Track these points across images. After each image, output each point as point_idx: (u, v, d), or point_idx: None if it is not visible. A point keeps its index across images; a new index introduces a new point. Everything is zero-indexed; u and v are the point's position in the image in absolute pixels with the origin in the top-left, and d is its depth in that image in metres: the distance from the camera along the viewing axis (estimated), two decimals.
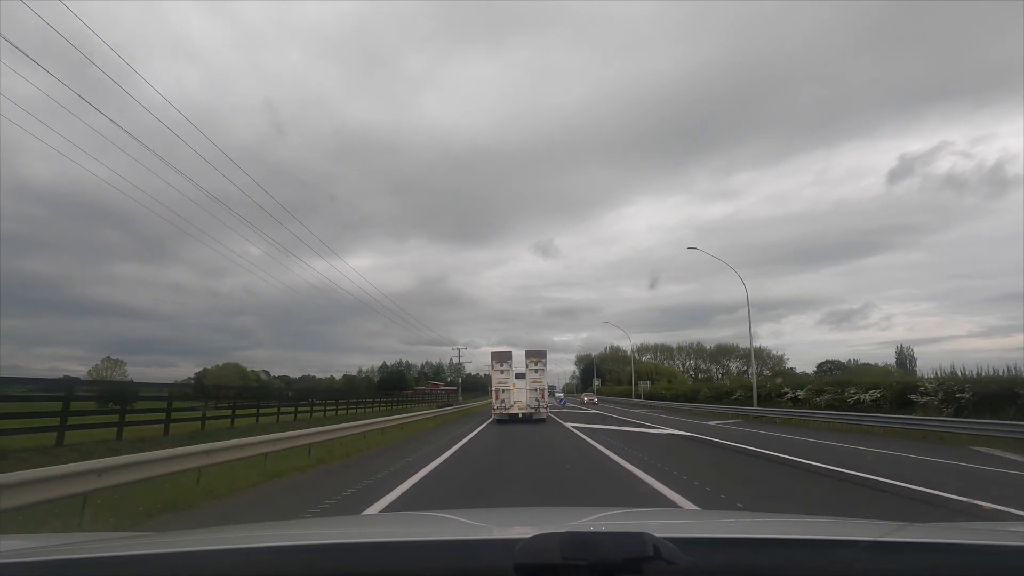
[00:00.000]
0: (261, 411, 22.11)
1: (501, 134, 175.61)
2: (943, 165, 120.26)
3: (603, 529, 1.53)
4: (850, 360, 75.12)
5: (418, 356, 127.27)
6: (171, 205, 69.95)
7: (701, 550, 1.00)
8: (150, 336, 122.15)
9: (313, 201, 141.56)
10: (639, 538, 0.88)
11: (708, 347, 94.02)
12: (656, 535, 0.90)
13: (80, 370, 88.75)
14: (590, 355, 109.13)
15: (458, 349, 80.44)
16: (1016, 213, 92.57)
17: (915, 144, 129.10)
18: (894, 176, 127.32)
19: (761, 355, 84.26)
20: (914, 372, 41.10)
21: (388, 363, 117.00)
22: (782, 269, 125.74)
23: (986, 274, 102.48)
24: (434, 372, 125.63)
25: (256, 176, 79.19)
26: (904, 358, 70.94)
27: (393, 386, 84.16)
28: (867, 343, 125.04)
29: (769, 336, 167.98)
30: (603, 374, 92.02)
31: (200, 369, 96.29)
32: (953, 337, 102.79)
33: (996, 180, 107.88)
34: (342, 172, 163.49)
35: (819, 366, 74.84)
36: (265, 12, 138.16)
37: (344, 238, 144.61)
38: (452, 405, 44.07)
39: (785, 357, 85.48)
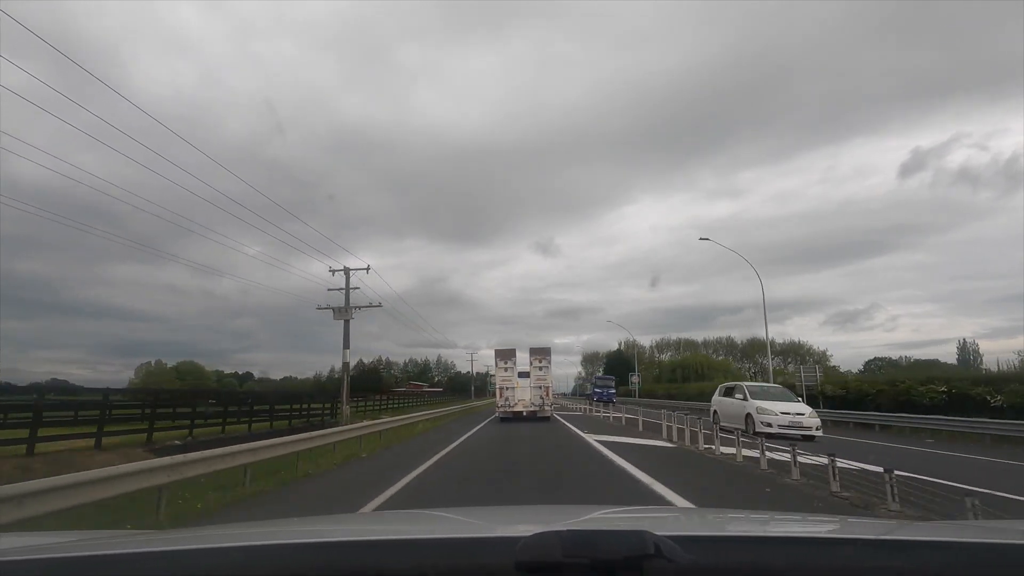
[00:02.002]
0: (163, 425, 15.78)
1: (501, 131, 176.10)
2: (951, 163, 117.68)
3: (604, 527, 1.54)
4: (900, 357, 68.38)
5: (418, 357, 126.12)
6: (169, 206, 68.92)
7: (702, 548, 1.00)
8: (150, 339, 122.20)
9: (310, 200, 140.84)
10: (640, 536, 0.88)
11: (739, 342, 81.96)
12: (657, 533, 0.90)
13: (79, 374, 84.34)
14: (598, 352, 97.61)
15: (342, 270, 28.21)
16: (1020, 212, 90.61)
17: (924, 140, 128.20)
18: (902, 174, 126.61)
19: (800, 351, 77.18)
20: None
21: (365, 361, 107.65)
22: (786, 270, 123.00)
23: (989, 275, 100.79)
24: (419, 371, 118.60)
25: (253, 174, 76.62)
26: (967, 354, 63.16)
27: (365, 388, 74.32)
28: (872, 344, 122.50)
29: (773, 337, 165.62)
30: (627, 373, 78.95)
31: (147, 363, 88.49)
32: (957, 339, 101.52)
33: (1008, 175, 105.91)
34: (339, 169, 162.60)
35: (867, 364, 68.34)
36: (260, 4, 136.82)
37: (342, 237, 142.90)
38: (329, 427, 15.31)
39: (829, 354, 75.68)
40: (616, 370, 76.09)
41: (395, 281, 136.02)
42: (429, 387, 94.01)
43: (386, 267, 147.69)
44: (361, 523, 2.26)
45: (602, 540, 0.89)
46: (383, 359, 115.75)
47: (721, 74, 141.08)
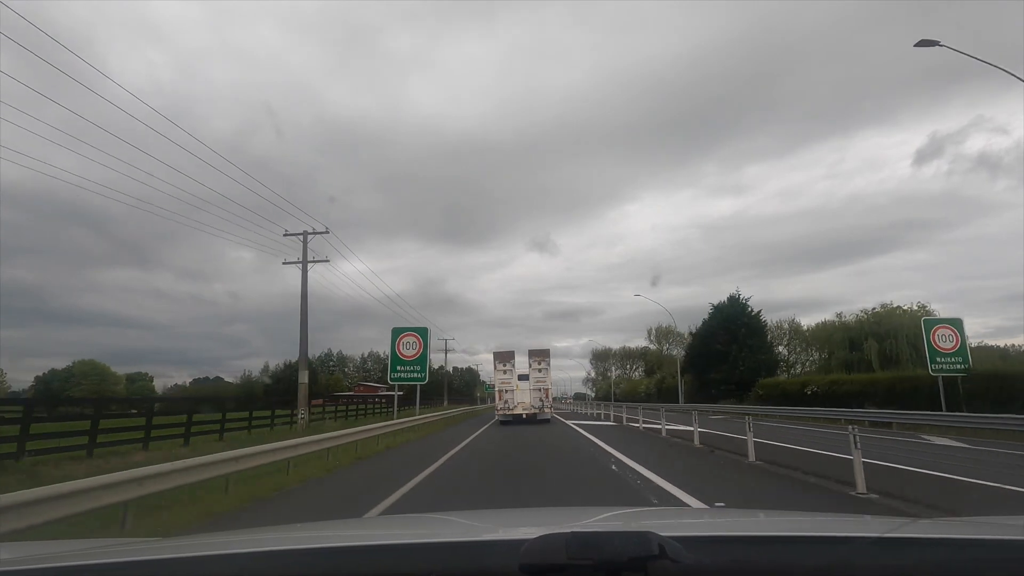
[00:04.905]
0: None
1: (497, 127, 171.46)
2: (969, 149, 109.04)
3: (608, 529, 1.54)
4: (1009, 346, 56.95)
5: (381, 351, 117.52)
6: (154, 204, 66.90)
7: (706, 548, 1.01)
8: (145, 346, 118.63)
9: (303, 200, 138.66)
10: (644, 537, 0.89)
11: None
12: (661, 534, 0.91)
13: None
14: (610, 348, 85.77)
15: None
16: (1020, 211, 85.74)
17: (940, 125, 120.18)
18: (916, 162, 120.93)
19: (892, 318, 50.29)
20: None
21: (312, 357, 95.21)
22: (791, 269, 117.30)
23: (993, 274, 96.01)
24: (383, 370, 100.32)
25: (241, 174, 72.21)
26: None
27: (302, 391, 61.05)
28: None
29: None
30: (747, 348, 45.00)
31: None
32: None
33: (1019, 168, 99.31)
34: (329, 168, 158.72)
35: None
36: None
37: (336, 238, 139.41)
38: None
39: None
40: (719, 354, 40.46)
41: (393, 284, 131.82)
42: (388, 390, 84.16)
43: (381, 270, 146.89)
44: (364, 528, 2.25)
45: (606, 541, 0.90)
46: (336, 353, 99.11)
47: (726, 62, 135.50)
